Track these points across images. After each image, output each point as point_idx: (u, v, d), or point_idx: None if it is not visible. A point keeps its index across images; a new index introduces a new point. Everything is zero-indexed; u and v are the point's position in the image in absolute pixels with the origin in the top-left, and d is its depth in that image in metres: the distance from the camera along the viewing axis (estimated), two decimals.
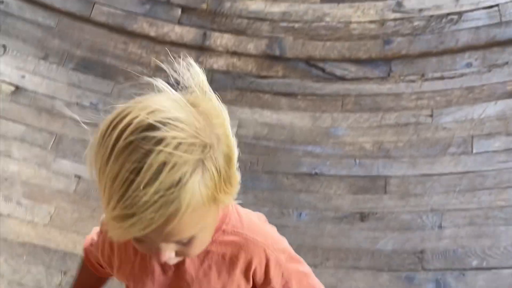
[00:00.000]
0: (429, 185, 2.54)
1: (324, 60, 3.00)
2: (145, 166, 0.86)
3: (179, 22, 3.09)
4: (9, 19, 2.92)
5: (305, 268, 1.21)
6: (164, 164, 0.87)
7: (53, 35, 2.94)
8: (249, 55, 3.04)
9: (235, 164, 1.01)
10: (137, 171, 0.86)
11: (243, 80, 3.00)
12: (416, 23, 2.98)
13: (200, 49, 3.04)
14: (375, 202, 2.54)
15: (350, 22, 3.04)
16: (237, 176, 1.01)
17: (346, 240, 2.43)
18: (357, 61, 2.98)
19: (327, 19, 3.07)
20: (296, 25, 3.08)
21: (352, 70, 2.97)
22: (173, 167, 0.87)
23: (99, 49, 2.95)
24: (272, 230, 1.17)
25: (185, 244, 0.98)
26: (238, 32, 3.08)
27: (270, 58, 3.03)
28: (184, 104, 0.96)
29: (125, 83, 2.87)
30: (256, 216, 1.18)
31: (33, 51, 2.88)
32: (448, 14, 2.96)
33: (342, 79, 2.96)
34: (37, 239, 2.32)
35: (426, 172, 2.59)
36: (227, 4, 3.10)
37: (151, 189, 0.86)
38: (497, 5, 2.90)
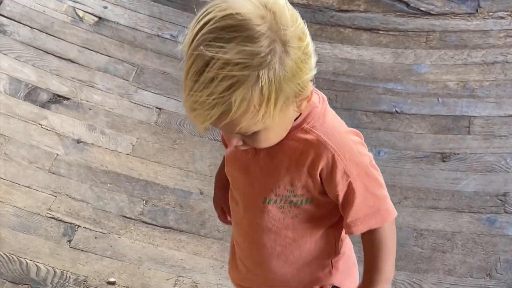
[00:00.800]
0: None
1: None
2: (205, 73, 1.00)
3: None
4: None
5: (382, 192, 1.21)
6: (218, 74, 1.00)
7: None
8: None
9: (308, 71, 1.10)
10: (199, 74, 1.01)
11: (324, 14, 2.94)
12: None
13: None
14: (457, 143, 2.48)
15: None
16: (307, 86, 1.09)
17: (426, 180, 2.39)
18: None
19: None
20: None
21: (438, 5, 2.86)
22: (225, 76, 0.99)
23: None
24: (354, 141, 1.18)
25: (248, 137, 1.10)
26: None
27: None
28: (264, 10, 1.03)
29: None
30: (344, 127, 1.20)
31: None
32: None
33: (427, 14, 2.86)
34: (120, 168, 2.38)
35: None
36: None
37: (207, 91, 1.01)
38: None
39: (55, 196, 2.26)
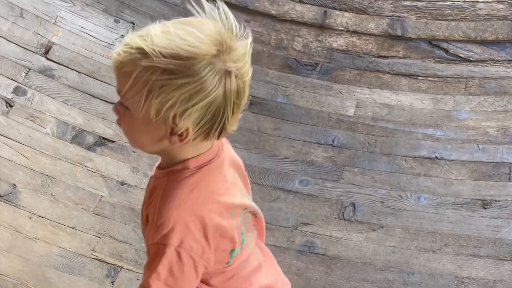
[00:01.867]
0: None
1: (447, 40, 2.93)
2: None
3: (300, 1, 3.10)
4: None
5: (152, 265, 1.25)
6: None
7: (178, 13, 3.03)
8: (369, 34, 3.01)
9: (190, 113, 1.15)
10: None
11: (363, 60, 2.98)
12: None
13: (320, 28, 3.04)
14: (498, 190, 2.47)
15: (477, 2, 2.94)
16: (184, 123, 1.16)
17: (467, 227, 2.38)
18: (483, 43, 2.88)
19: None
20: (420, 4, 3.01)
21: (477, 51, 2.88)
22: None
23: None
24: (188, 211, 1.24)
25: (123, 115, 1.19)
26: (359, 10, 3.05)
27: (391, 37, 2.99)
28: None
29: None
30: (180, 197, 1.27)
31: None
32: None
33: (466, 60, 2.88)
34: None
35: None
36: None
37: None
38: None
39: (99, 237, 2.31)
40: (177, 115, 1.14)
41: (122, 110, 1.20)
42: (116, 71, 1.17)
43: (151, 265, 1.23)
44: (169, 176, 1.26)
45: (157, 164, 1.33)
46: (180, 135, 1.18)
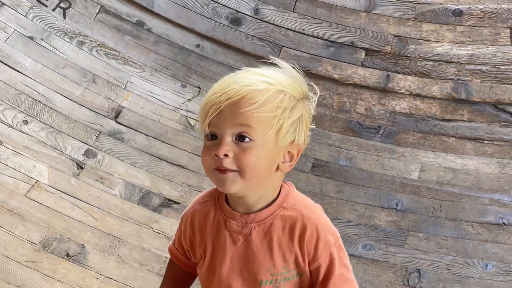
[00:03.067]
0: None
1: None
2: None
3: (362, 65, 3.13)
4: (204, 62, 3.13)
5: (349, 265, 1.30)
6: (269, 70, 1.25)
7: None
8: (433, 98, 3.01)
9: (307, 130, 1.27)
10: (236, 75, 1.26)
11: (427, 123, 2.97)
12: None
13: (383, 91, 3.06)
14: None
15: None
16: (302, 145, 1.26)
17: None
18: None
19: None
20: (484, 67, 3.00)
21: None
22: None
23: None
24: (326, 217, 1.31)
25: (242, 146, 1.20)
26: (422, 74, 3.06)
27: (455, 101, 2.98)
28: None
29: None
30: (315, 205, 1.33)
31: None
32: None
33: None
34: None
35: None
36: (412, 47, 3.09)
37: (245, 77, 1.23)
38: None
39: None
40: (297, 135, 1.25)
41: (241, 146, 1.21)
42: (237, 101, 1.21)
43: (343, 265, 1.29)
44: (282, 211, 1.29)
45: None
46: (290, 158, 1.27)
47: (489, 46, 3.04)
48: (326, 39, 3.16)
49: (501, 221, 2.57)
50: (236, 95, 1.19)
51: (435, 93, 3.02)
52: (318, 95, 1.28)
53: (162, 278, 2.39)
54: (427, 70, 3.07)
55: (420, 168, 2.81)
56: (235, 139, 1.21)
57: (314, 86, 1.29)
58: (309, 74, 3.10)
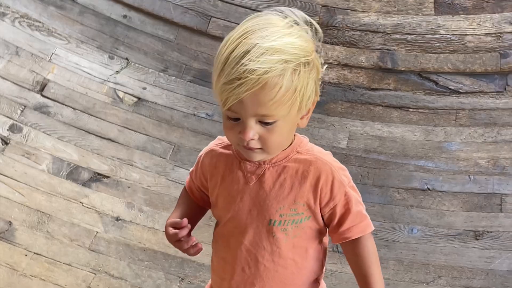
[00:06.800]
0: None
1: (437, 73, 2.97)
2: (256, 47, 1.17)
3: None
4: (132, 33, 3.07)
5: (364, 210, 1.35)
6: (272, 46, 1.17)
7: (172, 48, 3.08)
8: (360, 67, 3.06)
9: (318, 86, 1.28)
10: (247, 52, 1.17)
11: (354, 93, 3.02)
12: None
13: None
14: (490, 221, 2.50)
15: (465, 35, 3.00)
16: (316, 98, 1.27)
17: (460, 258, 2.41)
18: (472, 75, 2.93)
19: (441, 31, 3.04)
20: (409, 37, 3.06)
21: (466, 83, 2.92)
22: (279, 50, 1.18)
23: None
24: (338, 161, 1.35)
25: (267, 128, 1.22)
26: (350, 44, 3.10)
27: (381, 70, 3.04)
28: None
29: None
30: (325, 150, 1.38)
31: (153, 63, 3.03)
32: None
33: (456, 92, 2.92)
34: (157, 245, 2.44)
35: None
36: (340, 17, 3.12)
37: (264, 58, 1.16)
38: None
39: (95, 274, 2.32)
40: (314, 94, 1.26)
41: (266, 128, 1.23)
42: (257, 92, 1.19)
43: (358, 202, 1.33)
44: (295, 155, 1.31)
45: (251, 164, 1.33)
46: (307, 112, 1.28)
47: (414, 16, 3.10)
48: (255, 10, 3.15)
49: (426, 187, 2.66)
50: (256, 85, 1.17)
51: (362, 63, 3.06)
52: (322, 35, 1.28)
53: (92, 252, 2.38)
54: (355, 40, 3.11)
55: (348, 137, 2.87)
56: (259, 121, 1.22)
57: (316, 24, 1.27)
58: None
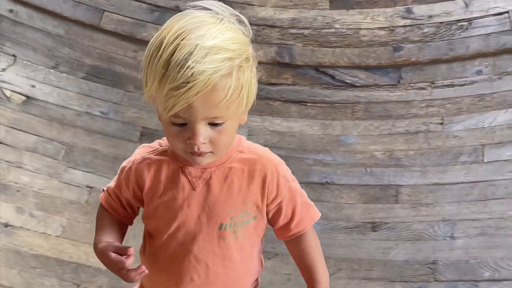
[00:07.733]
0: (440, 195, 2.54)
1: (333, 67, 3.00)
2: (199, 48, 1.13)
3: None
4: (19, 28, 2.92)
5: (309, 200, 1.37)
6: (216, 46, 1.14)
7: (63, 44, 2.95)
8: (259, 62, 3.03)
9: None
10: (194, 51, 1.13)
11: None
12: (426, 30, 2.97)
13: None
14: (386, 212, 2.54)
15: (360, 29, 3.04)
16: (254, 94, 1.26)
17: (358, 250, 2.43)
18: (367, 68, 2.98)
19: (337, 25, 3.07)
20: (306, 31, 3.08)
21: (361, 77, 2.96)
22: (224, 48, 1.15)
23: (109, 57, 2.95)
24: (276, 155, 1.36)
25: (217, 130, 1.18)
26: None
27: (279, 65, 3.03)
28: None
29: (135, 91, 2.88)
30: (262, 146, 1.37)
31: (43, 60, 2.89)
32: (458, 21, 2.95)
33: (352, 86, 2.96)
34: (50, 251, 2.33)
35: (437, 181, 2.59)
36: (236, 11, 3.09)
37: (209, 58, 1.13)
38: (507, 12, 2.89)
39: None
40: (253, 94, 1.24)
41: (216, 130, 1.19)
42: (207, 94, 1.15)
43: (301, 193, 1.34)
44: (239, 155, 1.29)
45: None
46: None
47: (310, 10, 3.12)
48: (150, 3, 3.07)
49: (324, 181, 2.67)
50: (205, 87, 1.14)
51: (260, 58, 3.05)
52: (250, 26, 1.26)
53: None
54: (252, 34, 3.09)
55: (248, 133, 2.84)
56: (208, 124, 1.19)
57: (241, 16, 1.26)
58: (133, 40, 3.01)
